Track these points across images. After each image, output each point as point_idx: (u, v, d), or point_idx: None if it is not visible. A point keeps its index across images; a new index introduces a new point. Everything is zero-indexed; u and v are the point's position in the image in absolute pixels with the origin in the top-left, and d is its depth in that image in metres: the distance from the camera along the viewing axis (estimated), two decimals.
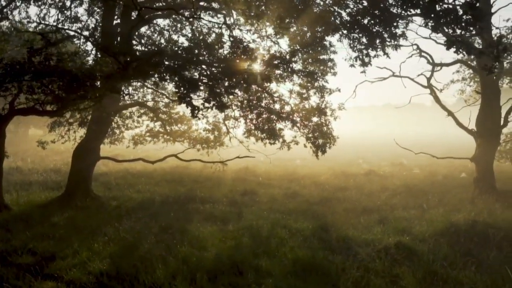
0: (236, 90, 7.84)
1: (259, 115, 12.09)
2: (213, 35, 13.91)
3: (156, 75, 7.82)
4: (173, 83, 7.04)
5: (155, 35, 15.84)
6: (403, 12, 6.93)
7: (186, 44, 12.26)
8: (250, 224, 9.18)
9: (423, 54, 14.83)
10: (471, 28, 6.57)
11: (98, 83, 6.82)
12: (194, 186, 14.54)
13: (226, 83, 7.18)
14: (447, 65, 14.30)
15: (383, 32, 8.44)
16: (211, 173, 17.12)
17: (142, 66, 6.32)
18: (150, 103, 16.48)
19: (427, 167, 20.66)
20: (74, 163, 11.85)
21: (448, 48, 6.81)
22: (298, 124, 12.14)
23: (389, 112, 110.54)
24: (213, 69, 7.41)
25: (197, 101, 8.40)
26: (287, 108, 12.40)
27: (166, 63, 7.51)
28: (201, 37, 14.14)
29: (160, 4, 12.91)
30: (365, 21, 8.14)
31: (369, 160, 26.77)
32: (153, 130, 16.75)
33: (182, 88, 6.36)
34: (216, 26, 13.97)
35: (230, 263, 6.58)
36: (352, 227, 9.01)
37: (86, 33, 15.06)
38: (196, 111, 6.41)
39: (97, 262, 6.66)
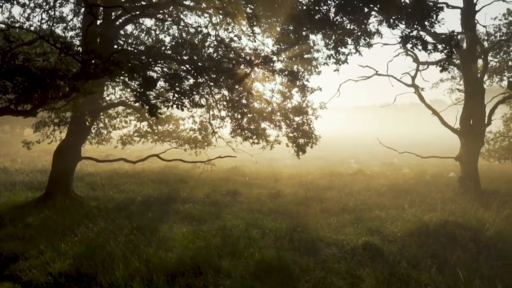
0: (200, 89, 7.75)
1: (243, 115, 12.03)
2: (199, 35, 13.87)
3: (126, 74, 7.77)
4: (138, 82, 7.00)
5: (143, 34, 15.85)
6: (365, 8, 6.82)
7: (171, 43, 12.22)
8: (224, 225, 9.11)
9: (409, 52, 14.77)
10: (426, 23, 6.42)
11: (62, 83, 6.76)
12: (179, 186, 14.49)
13: (192, 81, 7.13)
14: (433, 63, 14.15)
15: (356, 30, 8.32)
16: (198, 173, 17.06)
17: (103, 64, 6.26)
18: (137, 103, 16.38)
19: (417, 167, 20.50)
20: (55, 163, 11.83)
21: (404, 44, 6.73)
22: (280, 123, 12.08)
23: (389, 113, 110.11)
24: (178, 66, 7.34)
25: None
26: (269, 107, 12.35)
27: (136, 61, 7.47)
28: (188, 37, 14.15)
29: (142, 3, 12.83)
30: (337, 18, 8.02)
31: (361, 160, 26.62)
32: (140, 130, 16.69)
33: (139, 87, 6.32)
34: (203, 25, 13.93)
35: (192, 264, 6.51)
36: (326, 227, 8.91)
37: (72, 33, 15.13)
38: (154, 110, 6.36)
39: (59, 262, 6.62)
